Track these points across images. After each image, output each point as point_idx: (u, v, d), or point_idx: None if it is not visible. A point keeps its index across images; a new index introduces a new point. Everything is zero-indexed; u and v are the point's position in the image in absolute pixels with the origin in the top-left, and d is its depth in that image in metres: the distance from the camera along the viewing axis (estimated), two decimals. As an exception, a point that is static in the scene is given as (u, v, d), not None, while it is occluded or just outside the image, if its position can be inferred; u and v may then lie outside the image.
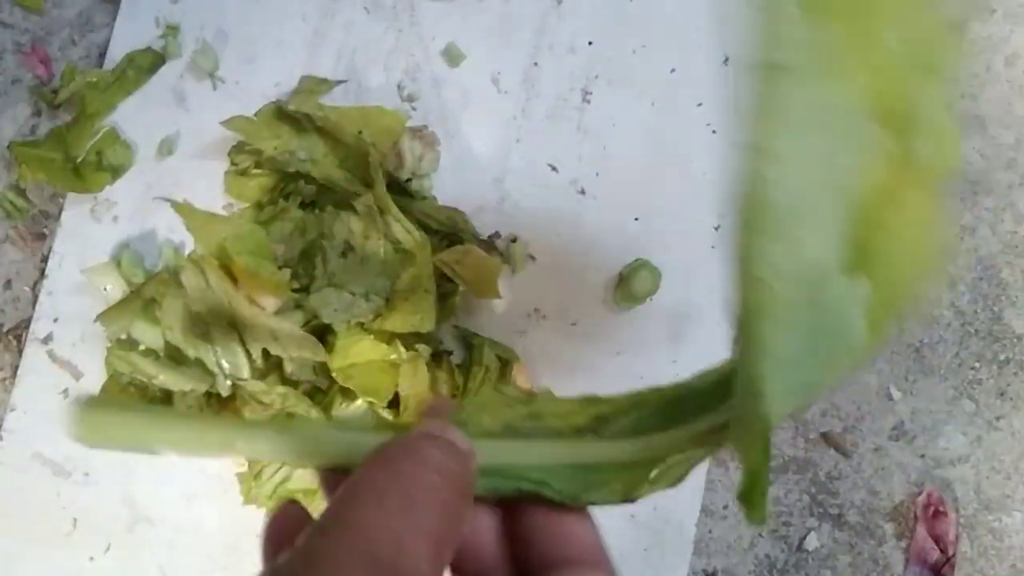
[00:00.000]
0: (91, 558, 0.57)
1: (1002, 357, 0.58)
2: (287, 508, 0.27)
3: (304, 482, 0.53)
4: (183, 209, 0.53)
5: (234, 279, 0.51)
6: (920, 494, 0.56)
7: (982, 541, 0.57)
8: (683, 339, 0.57)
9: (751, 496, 0.23)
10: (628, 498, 0.26)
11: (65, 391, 0.58)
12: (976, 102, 0.59)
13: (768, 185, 0.20)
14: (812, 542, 0.56)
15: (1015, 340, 0.58)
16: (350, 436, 0.26)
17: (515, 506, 0.27)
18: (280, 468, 0.53)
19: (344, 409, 0.52)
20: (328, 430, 0.27)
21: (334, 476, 0.27)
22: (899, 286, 0.22)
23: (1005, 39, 0.60)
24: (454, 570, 0.27)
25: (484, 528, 0.27)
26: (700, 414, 0.26)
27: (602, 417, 0.27)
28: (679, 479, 0.26)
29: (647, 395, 0.27)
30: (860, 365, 0.25)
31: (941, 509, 0.56)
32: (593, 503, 0.26)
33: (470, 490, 0.24)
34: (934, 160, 0.22)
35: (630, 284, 0.56)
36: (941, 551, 0.56)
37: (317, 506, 0.52)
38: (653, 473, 0.26)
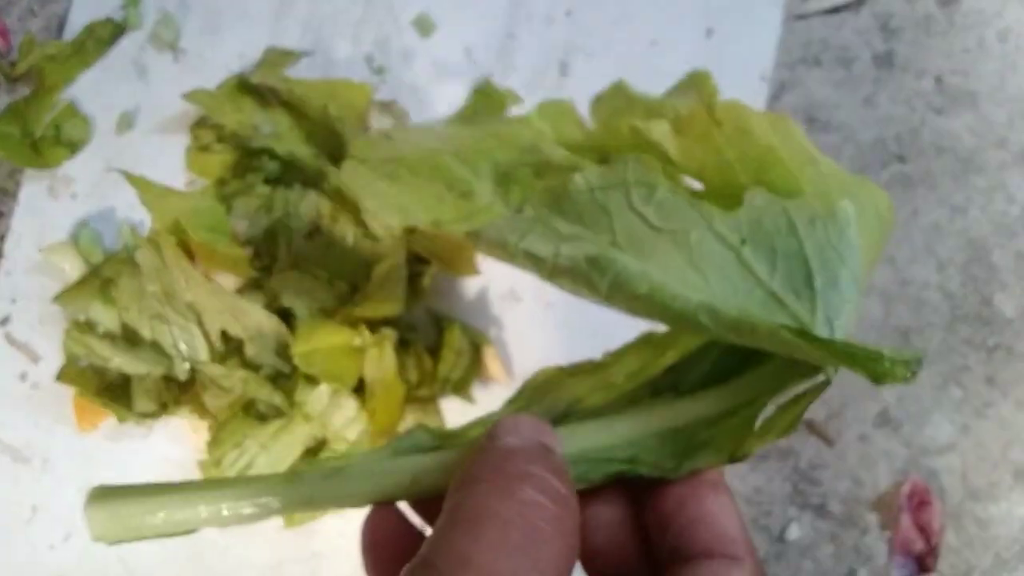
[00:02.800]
0: (51, 546, 0.56)
1: (991, 343, 0.56)
2: (381, 515, 0.25)
3: (268, 468, 0.51)
4: (138, 182, 0.50)
5: (192, 257, 0.49)
6: (905, 483, 0.55)
7: (968, 531, 0.55)
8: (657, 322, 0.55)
9: (889, 372, 0.21)
10: (735, 457, 0.24)
11: (23, 375, 0.56)
12: (967, 78, 0.57)
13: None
14: (794, 532, 0.55)
15: (1005, 325, 0.56)
16: (410, 461, 0.24)
17: (644, 492, 0.25)
18: (243, 455, 0.51)
19: (308, 395, 0.50)
20: (383, 460, 0.25)
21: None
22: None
23: (998, 13, 0.57)
24: (588, 570, 0.25)
25: (611, 522, 0.25)
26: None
27: (676, 368, 0.26)
28: (792, 425, 0.23)
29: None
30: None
31: (926, 498, 0.55)
32: (697, 470, 0.24)
33: (578, 512, 0.22)
34: None
35: (607, 265, 0.54)
36: (926, 541, 0.55)
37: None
38: (758, 423, 0.24)
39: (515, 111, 0.25)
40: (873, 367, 0.21)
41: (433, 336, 0.54)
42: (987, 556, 0.56)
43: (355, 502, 0.24)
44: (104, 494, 0.24)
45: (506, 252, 0.24)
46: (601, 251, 0.23)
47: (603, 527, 0.25)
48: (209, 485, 0.25)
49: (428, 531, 0.23)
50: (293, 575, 0.54)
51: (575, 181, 0.23)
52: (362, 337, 0.50)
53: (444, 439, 0.26)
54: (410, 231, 0.51)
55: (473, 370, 0.53)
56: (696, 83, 0.25)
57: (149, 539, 0.23)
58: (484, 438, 0.23)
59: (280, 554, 0.54)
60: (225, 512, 0.24)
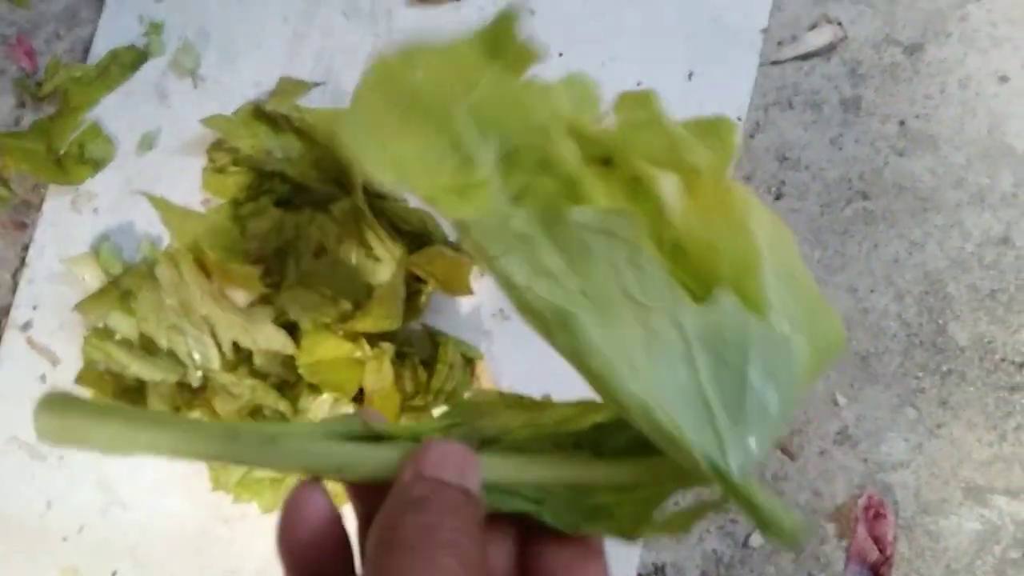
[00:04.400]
0: (64, 539, 0.59)
1: (945, 368, 0.60)
2: (304, 493, 0.26)
3: (272, 471, 0.55)
4: (159, 203, 0.54)
5: (207, 273, 0.53)
6: (861, 496, 0.59)
7: (919, 542, 0.60)
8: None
9: (776, 531, 0.23)
10: (628, 536, 0.25)
11: (43, 376, 0.60)
12: (929, 122, 0.62)
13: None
14: (757, 539, 0.59)
15: (958, 352, 0.60)
16: (340, 448, 0.25)
17: (528, 534, 0.27)
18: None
19: (312, 403, 0.54)
20: (317, 441, 0.26)
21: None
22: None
23: (959, 62, 0.62)
24: None
25: (499, 554, 0.27)
26: None
27: (603, 427, 0.26)
28: (685, 527, 0.25)
29: None
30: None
31: (881, 511, 0.59)
32: (593, 534, 0.25)
33: (483, 542, 0.24)
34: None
35: (591, 288, 0.58)
36: (880, 551, 0.59)
37: (281, 495, 0.54)
38: (656, 513, 0.25)
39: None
40: (767, 524, 0.22)
41: (429, 350, 0.58)
42: (938, 567, 0.60)
43: (281, 470, 0.26)
44: (58, 401, 0.25)
45: (485, 260, 0.25)
46: (568, 303, 0.24)
47: (492, 556, 0.26)
48: (156, 418, 0.26)
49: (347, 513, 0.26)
50: (292, 570, 0.58)
51: (574, 214, 0.24)
52: (362, 350, 0.54)
53: (376, 434, 0.27)
54: (407, 251, 0.55)
55: (465, 382, 0.57)
56: (718, 130, 0.25)
57: (87, 449, 0.24)
58: (410, 465, 0.25)
59: (280, 550, 0.58)
60: (162, 447, 0.24)
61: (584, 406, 0.27)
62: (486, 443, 0.27)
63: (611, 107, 0.27)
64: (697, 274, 0.24)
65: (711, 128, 0.26)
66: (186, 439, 0.24)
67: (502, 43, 0.26)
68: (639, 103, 0.26)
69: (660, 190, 0.24)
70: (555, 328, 0.24)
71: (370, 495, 0.27)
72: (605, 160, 0.26)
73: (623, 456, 0.26)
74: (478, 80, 0.26)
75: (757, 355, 0.23)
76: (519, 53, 0.26)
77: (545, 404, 0.28)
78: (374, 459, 0.25)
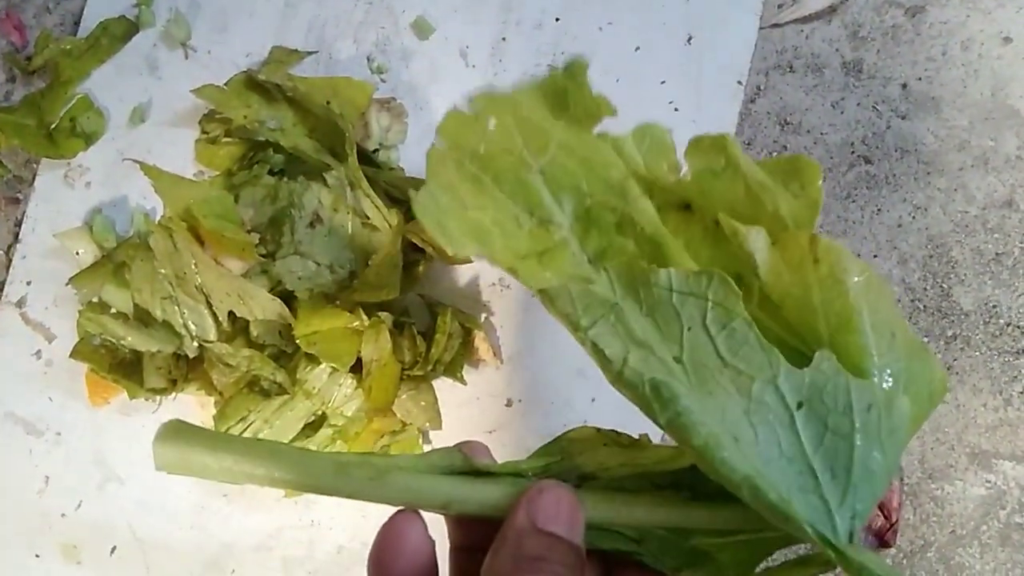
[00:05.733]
0: (63, 514, 0.59)
1: (949, 333, 0.60)
2: (404, 523, 0.27)
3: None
4: (152, 171, 0.54)
5: (201, 242, 0.52)
6: (866, 463, 0.58)
7: (924, 508, 0.59)
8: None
9: None
10: None
11: (38, 353, 0.60)
12: (931, 84, 0.61)
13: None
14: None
15: (963, 317, 0.60)
16: (446, 484, 0.26)
17: (612, 569, 0.27)
18: (248, 428, 0.54)
19: (309, 373, 0.53)
20: (423, 478, 0.26)
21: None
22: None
23: (961, 24, 0.61)
24: None
25: None
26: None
27: (698, 469, 0.25)
28: None
29: None
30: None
31: (886, 478, 0.59)
32: None
33: None
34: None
35: (590, 256, 0.57)
36: (885, 517, 0.58)
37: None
38: (760, 568, 0.25)
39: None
40: None
41: (427, 320, 0.58)
42: (943, 532, 0.60)
43: (389, 503, 0.26)
44: (176, 430, 0.26)
45: (574, 330, 0.24)
46: (665, 375, 0.23)
47: None
48: (271, 449, 0.26)
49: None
50: (291, 542, 0.58)
51: (658, 274, 0.23)
52: (360, 320, 0.53)
53: (477, 470, 0.27)
54: (403, 220, 0.55)
55: (464, 352, 0.57)
56: (799, 172, 0.25)
57: (203, 478, 0.25)
58: (524, 509, 0.25)
59: (279, 522, 0.58)
60: (276, 476, 0.25)
61: (680, 450, 0.26)
62: (584, 479, 0.27)
63: (686, 154, 0.26)
64: (792, 328, 0.24)
65: (791, 169, 0.25)
66: (299, 472, 0.25)
67: (569, 94, 0.25)
68: (715, 148, 0.25)
69: (749, 245, 0.24)
70: (656, 405, 0.23)
71: (470, 526, 0.28)
72: (684, 205, 0.26)
73: (723, 499, 0.25)
74: (548, 138, 0.25)
75: (861, 417, 0.23)
76: (588, 106, 0.25)
77: (643, 444, 0.28)
78: (480, 497, 0.26)
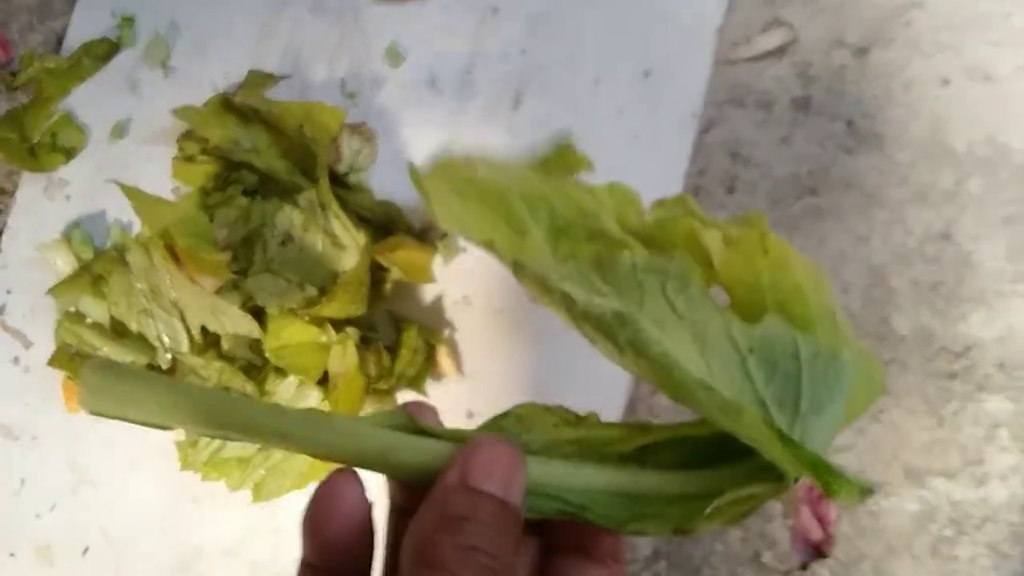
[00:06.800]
0: (37, 515, 0.61)
1: (887, 357, 0.63)
2: (341, 481, 0.25)
3: (238, 451, 0.57)
4: (131, 192, 0.56)
5: (177, 260, 0.55)
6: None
7: (861, 522, 0.63)
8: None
9: (846, 489, 0.23)
10: (680, 531, 0.26)
11: (15, 359, 0.62)
12: (875, 122, 0.64)
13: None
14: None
15: (899, 342, 0.63)
16: (387, 434, 0.26)
17: (549, 549, 0.27)
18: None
19: (278, 386, 0.56)
20: (362, 425, 0.26)
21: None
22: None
23: (904, 65, 0.65)
24: None
25: (521, 564, 0.26)
26: (749, 454, 0.25)
27: (647, 448, 0.27)
28: (742, 516, 0.25)
29: (693, 429, 0.27)
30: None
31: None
32: (640, 533, 0.26)
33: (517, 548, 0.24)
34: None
35: (549, 278, 0.60)
36: (823, 530, 0.62)
37: (248, 474, 0.55)
38: (710, 508, 0.25)
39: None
40: (832, 482, 0.23)
41: (392, 335, 0.60)
42: (878, 545, 0.63)
43: (325, 452, 0.25)
44: (105, 367, 0.25)
45: (543, 287, 0.26)
46: (628, 310, 0.25)
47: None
48: (204, 391, 0.26)
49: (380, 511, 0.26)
50: (258, 546, 0.60)
51: (623, 255, 0.25)
52: (327, 335, 0.56)
53: (424, 431, 0.27)
54: (372, 240, 0.58)
55: (427, 367, 0.59)
56: (751, 220, 0.27)
57: (129, 421, 0.25)
58: (458, 465, 0.24)
59: (247, 526, 0.60)
60: (211, 419, 0.24)
61: (632, 429, 0.27)
62: (530, 455, 0.27)
63: (651, 208, 0.28)
64: (742, 308, 0.26)
65: (744, 219, 0.27)
66: (235, 411, 0.25)
67: (556, 163, 0.27)
68: (676, 204, 0.27)
69: (704, 238, 0.26)
70: (616, 328, 0.25)
71: (411, 487, 0.26)
72: (648, 243, 0.27)
73: (669, 469, 0.26)
74: (532, 180, 0.27)
75: (808, 364, 0.24)
76: (569, 163, 0.27)
77: (592, 421, 0.28)
78: (418, 448, 0.26)
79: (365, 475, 0.26)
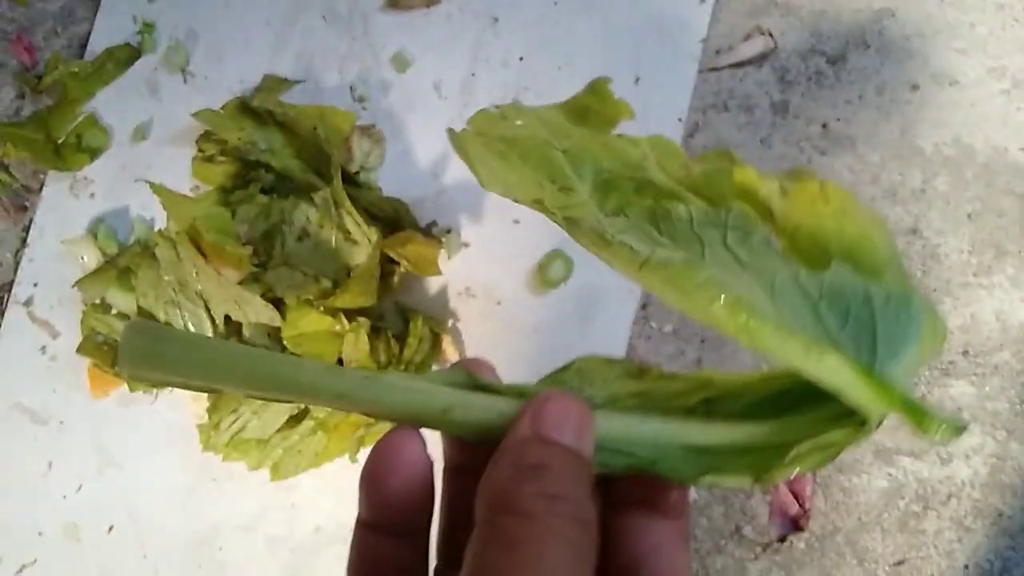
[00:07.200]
0: (64, 496, 0.65)
1: (859, 343, 0.68)
2: (401, 438, 0.25)
3: (258, 432, 0.61)
4: (159, 190, 0.60)
5: (202, 253, 0.58)
6: (784, 456, 0.67)
7: (834, 497, 0.67)
8: (591, 319, 0.66)
9: (936, 426, 0.22)
10: (759, 481, 0.24)
11: (43, 348, 0.65)
12: (848, 125, 0.69)
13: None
14: (691, 493, 0.66)
15: (871, 329, 0.68)
16: (447, 391, 0.25)
17: (612, 500, 0.26)
18: (237, 419, 0.61)
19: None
20: (421, 382, 0.25)
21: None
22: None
23: (876, 71, 0.69)
24: None
25: None
26: (823, 401, 0.24)
27: (711, 400, 0.26)
28: (822, 463, 0.24)
29: (757, 380, 0.26)
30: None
31: (801, 469, 0.67)
32: (715, 484, 0.25)
33: (596, 533, 0.23)
34: None
35: (547, 271, 0.65)
36: (799, 505, 0.67)
37: (266, 454, 0.59)
38: (790, 456, 0.24)
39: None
40: (927, 421, 0.22)
41: (400, 325, 0.64)
42: (850, 519, 0.68)
43: (384, 411, 0.24)
44: (145, 328, 0.24)
45: (601, 241, 0.25)
46: (696, 260, 0.24)
47: None
48: (252, 351, 0.25)
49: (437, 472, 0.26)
50: (274, 522, 0.64)
51: (678, 208, 0.24)
52: (341, 324, 0.60)
53: (484, 387, 0.26)
54: (381, 235, 0.62)
55: (433, 354, 0.63)
56: (800, 175, 0.26)
57: (169, 385, 0.25)
58: (528, 417, 0.24)
59: (263, 504, 0.64)
60: (258, 380, 0.23)
61: (695, 381, 0.26)
62: (595, 409, 0.26)
63: (695, 160, 0.27)
64: (805, 258, 0.25)
65: (793, 175, 0.26)
66: (287, 371, 0.24)
67: (590, 108, 0.28)
68: (722, 157, 0.26)
69: (760, 190, 0.25)
70: (683, 274, 0.24)
71: (468, 446, 0.26)
72: (696, 195, 0.27)
73: (739, 420, 0.25)
74: (571, 132, 0.27)
75: (880, 310, 0.24)
76: (608, 112, 0.27)
77: (655, 374, 0.27)
78: (483, 405, 0.25)
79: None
